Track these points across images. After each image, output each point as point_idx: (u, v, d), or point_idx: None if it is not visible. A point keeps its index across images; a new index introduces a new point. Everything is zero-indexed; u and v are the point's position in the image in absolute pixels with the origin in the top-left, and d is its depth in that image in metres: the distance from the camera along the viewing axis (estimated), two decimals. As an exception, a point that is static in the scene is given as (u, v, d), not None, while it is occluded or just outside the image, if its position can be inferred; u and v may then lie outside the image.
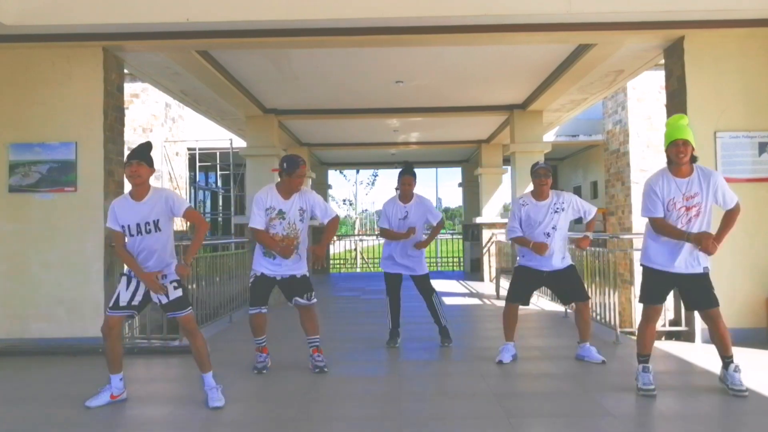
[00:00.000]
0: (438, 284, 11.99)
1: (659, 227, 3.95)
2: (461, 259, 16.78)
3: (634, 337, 6.78)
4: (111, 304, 3.94)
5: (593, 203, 15.24)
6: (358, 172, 32.34)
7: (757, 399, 3.91)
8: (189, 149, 13.75)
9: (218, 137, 13.17)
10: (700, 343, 5.59)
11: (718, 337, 4.00)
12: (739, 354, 5.18)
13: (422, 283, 5.69)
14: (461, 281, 12.83)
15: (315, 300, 4.88)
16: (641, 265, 4.14)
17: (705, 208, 3.91)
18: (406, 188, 5.70)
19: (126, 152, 6.90)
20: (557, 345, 5.83)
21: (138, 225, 3.85)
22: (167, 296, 3.92)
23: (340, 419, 3.71)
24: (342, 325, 7.27)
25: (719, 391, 4.08)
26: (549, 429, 3.53)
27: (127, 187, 4.04)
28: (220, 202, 15.87)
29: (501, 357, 4.95)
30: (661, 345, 5.67)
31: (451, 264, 17.84)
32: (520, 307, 5.11)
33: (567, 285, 5.05)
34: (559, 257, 4.96)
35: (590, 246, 5.36)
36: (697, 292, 3.98)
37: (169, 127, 13.00)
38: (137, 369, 4.98)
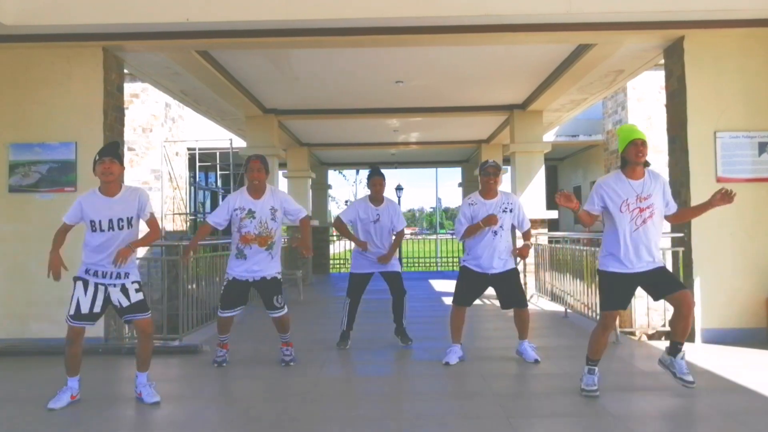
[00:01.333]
0: (438, 284, 12.05)
1: (582, 221, 3.99)
2: (461, 259, 16.78)
3: (635, 338, 6.80)
4: (72, 313, 3.85)
5: (593, 203, 15.36)
6: (358, 172, 32.36)
7: (757, 399, 3.91)
8: (189, 149, 13.74)
9: (218, 137, 13.17)
10: (700, 343, 5.59)
11: (683, 322, 3.85)
12: (739, 354, 5.20)
13: (395, 281, 5.65)
14: (461, 281, 12.79)
15: (285, 309, 4.88)
16: (599, 270, 4.08)
17: (658, 209, 3.91)
18: (377, 189, 5.59)
19: (126, 152, 6.92)
20: (557, 345, 5.83)
21: (110, 221, 3.82)
22: (128, 299, 3.89)
23: (340, 419, 3.71)
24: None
25: (719, 391, 4.08)
26: (549, 429, 3.53)
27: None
28: (220, 202, 15.86)
29: (447, 359, 4.91)
30: (662, 345, 5.66)
31: (451, 264, 17.84)
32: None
33: (507, 290, 5.00)
34: (501, 260, 4.93)
35: (590, 245, 5.32)
36: (663, 282, 3.92)
37: (169, 127, 12.99)
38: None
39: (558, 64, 7.63)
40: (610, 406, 3.80)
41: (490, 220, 4.83)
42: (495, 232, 4.89)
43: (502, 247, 4.92)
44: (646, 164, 3.96)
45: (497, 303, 9.33)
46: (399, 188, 22.10)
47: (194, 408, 3.92)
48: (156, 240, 4.13)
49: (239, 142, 12.33)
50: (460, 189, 18.08)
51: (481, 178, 5.03)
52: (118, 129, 6.20)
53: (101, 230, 3.83)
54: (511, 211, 4.96)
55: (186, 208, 13.73)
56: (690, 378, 3.91)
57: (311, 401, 4.05)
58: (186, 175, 13.82)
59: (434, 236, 21.46)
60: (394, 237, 5.71)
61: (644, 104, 11.48)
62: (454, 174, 58.11)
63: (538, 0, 5.41)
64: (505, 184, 13.27)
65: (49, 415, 3.79)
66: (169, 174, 12.85)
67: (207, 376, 4.77)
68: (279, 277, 4.87)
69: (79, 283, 3.90)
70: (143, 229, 4.00)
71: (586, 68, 7.29)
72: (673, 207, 4.00)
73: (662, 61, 6.43)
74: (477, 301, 9.44)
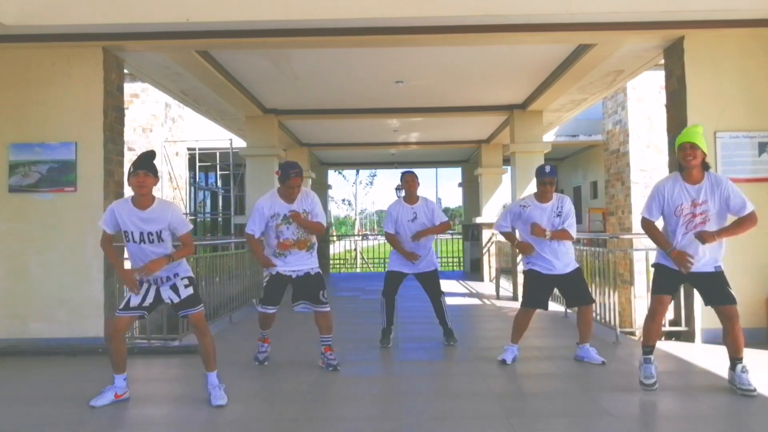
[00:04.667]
0: (438, 284, 12.05)
1: (648, 230, 4.00)
2: (461, 259, 16.79)
3: (634, 338, 6.80)
4: (121, 306, 3.95)
5: (593, 203, 15.39)
6: (357, 172, 32.43)
7: (757, 399, 3.91)
8: (189, 149, 13.75)
9: (218, 137, 13.17)
10: (700, 343, 5.59)
11: (731, 337, 3.93)
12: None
13: (431, 282, 5.66)
14: (461, 281, 12.83)
15: (327, 305, 4.89)
16: (654, 264, 4.13)
17: (712, 216, 3.89)
18: (409, 186, 5.68)
19: (126, 152, 6.91)
20: (557, 345, 5.83)
21: (141, 234, 3.87)
22: (178, 295, 3.96)
23: (340, 419, 3.71)
24: (342, 325, 7.25)
25: (719, 391, 4.08)
26: (549, 429, 3.53)
27: (127, 186, 4.04)
28: (220, 202, 15.88)
29: (504, 356, 4.94)
30: (661, 345, 5.66)
31: (451, 264, 17.85)
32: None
33: (571, 289, 5.01)
34: (563, 262, 4.90)
35: (590, 245, 5.30)
36: (711, 289, 3.96)
37: (169, 127, 12.99)
38: (137, 369, 4.97)
39: (558, 64, 7.63)
40: (610, 406, 3.80)
41: (525, 249, 4.89)
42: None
43: (562, 249, 4.88)
44: (707, 167, 3.90)
45: (497, 303, 9.32)
46: (399, 188, 22.12)
47: (194, 408, 3.92)
48: (189, 254, 4.22)
49: (239, 142, 12.33)
50: (460, 189, 18.08)
51: (537, 185, 4.97)
52: (118, 129, 6.20)
53: (134, 241, 3.89)
54: (559, 215, 4.89)
55: (186, 208, 13.73)
56: (751, 387, 3.88)
57: (311, 401, 4.06)
58: (186, 175, 13.83)
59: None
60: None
61: (644, 104, 11.48)
62: (454, 174, 58.21)
63: (539, 0, 5.42)
64: (505, 183, 13.30)
65: (49, 415, 3.80)
66: (169, 174, 12.85)
67: (207, 376, 4.77)
68: (320, 271, 4.92)
69: None
70: None
71: (586, 68, 7.30)
72: (743, 211, 3.85)
73: (662, 61, 6.43)
74: (477, 301, 9.49)
